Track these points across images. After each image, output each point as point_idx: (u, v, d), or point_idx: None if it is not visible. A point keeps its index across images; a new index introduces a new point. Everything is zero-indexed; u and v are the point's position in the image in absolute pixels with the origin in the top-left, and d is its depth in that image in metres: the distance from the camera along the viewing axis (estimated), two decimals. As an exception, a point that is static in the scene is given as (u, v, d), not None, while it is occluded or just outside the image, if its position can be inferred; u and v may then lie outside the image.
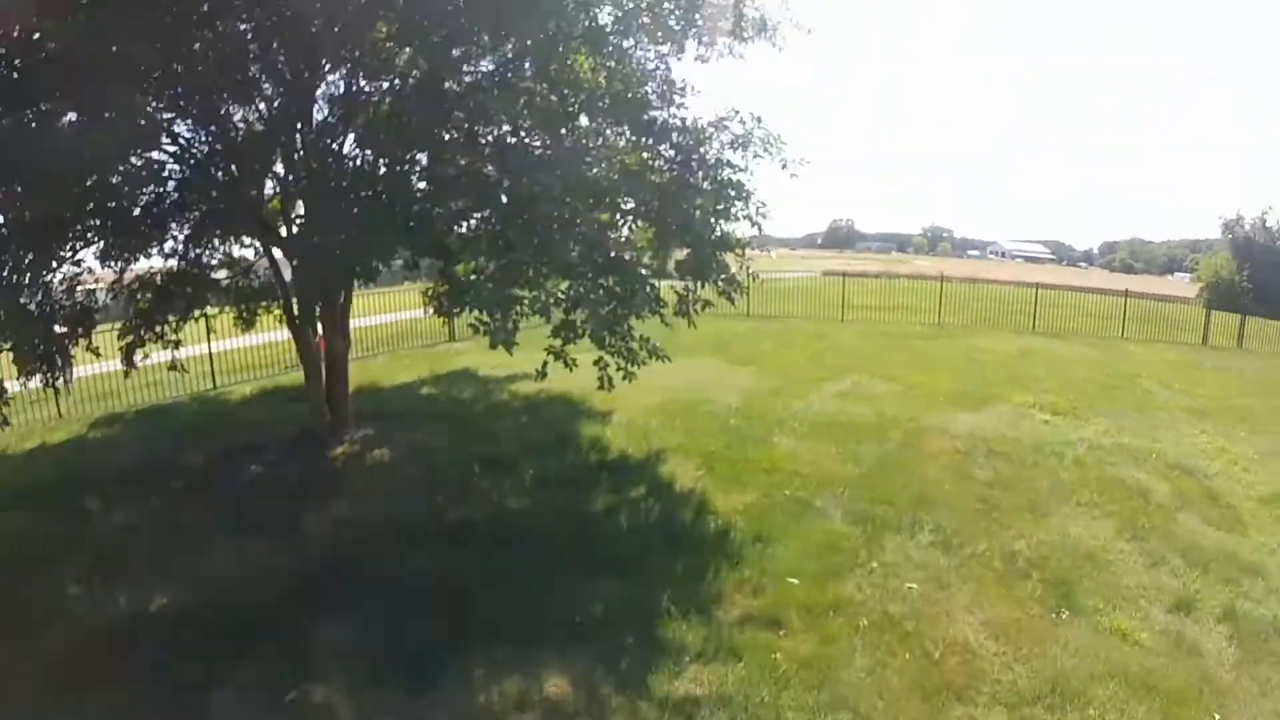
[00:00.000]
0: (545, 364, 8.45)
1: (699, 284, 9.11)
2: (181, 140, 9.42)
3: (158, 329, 11.17)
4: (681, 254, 9.11)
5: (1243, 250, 48.01)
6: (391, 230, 7.77)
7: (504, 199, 8.12)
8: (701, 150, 9.02)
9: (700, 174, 8.95)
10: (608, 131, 9.16)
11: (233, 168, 9.72)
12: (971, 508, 8.72)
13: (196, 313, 11.58)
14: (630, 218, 9.05)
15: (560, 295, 8.04)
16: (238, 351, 15.97)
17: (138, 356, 11.31)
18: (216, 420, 12.64)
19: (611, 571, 7.03)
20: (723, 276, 9.05)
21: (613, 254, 8.49)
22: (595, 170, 8.18)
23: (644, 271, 8.63)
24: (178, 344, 11.73)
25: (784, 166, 9.36)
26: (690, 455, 10.11)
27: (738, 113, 9.18)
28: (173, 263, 10.95)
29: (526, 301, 7.61)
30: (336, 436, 10.78)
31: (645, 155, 8.81)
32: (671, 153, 9.09)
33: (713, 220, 8.72)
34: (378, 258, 7.92)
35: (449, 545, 7.68)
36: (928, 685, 5.66)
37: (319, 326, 10.56)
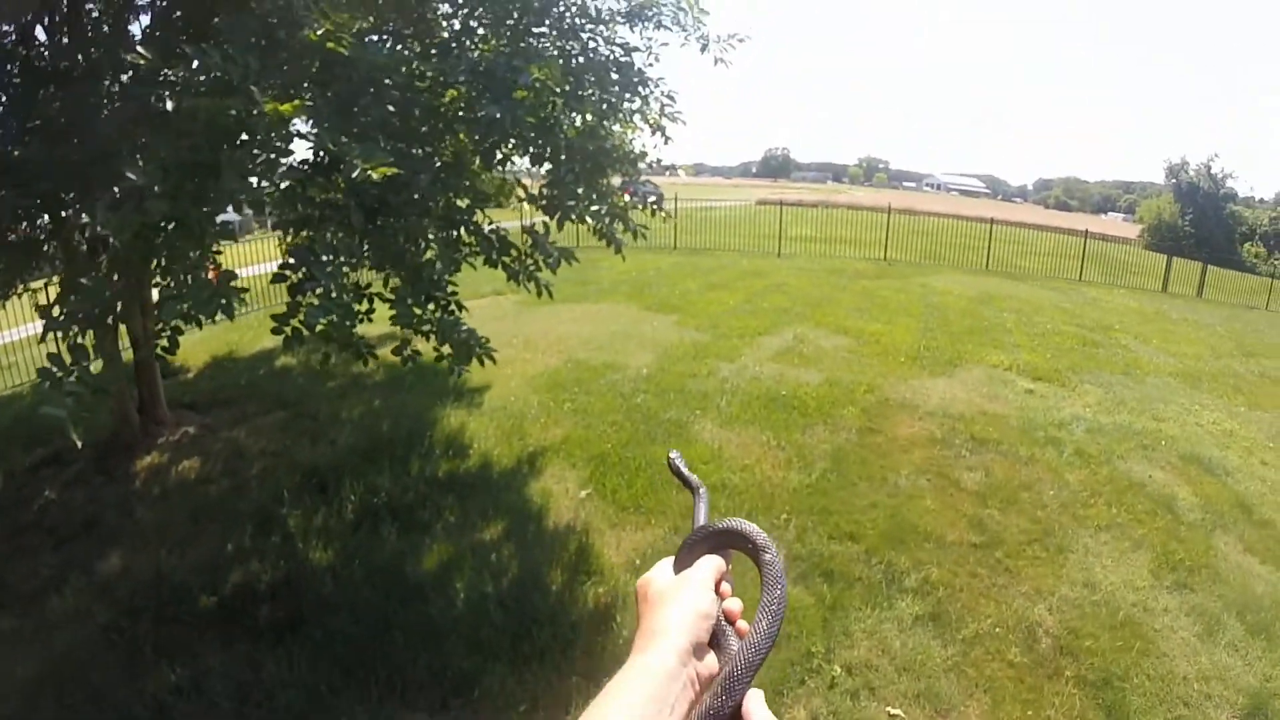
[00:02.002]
0: (408, 346, 5.50)
1: (557, 220, 5.73)
2: None
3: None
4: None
5: (1186, 195, 49.17)
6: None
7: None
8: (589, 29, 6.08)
9: (582, 58, 5.98)
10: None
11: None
12: (965, 541, 6.21)
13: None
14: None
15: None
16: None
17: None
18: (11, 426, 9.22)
19: (428, 700, 4.40)
20: (595, 209, 5.86)
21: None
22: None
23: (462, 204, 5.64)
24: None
25: (704, 49, 6.55)
26: (576, 459, 7.40)
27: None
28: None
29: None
30: (150, 439, 8.03)
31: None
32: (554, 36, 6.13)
33: (585, 118, 5.78)
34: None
35: (218, 633, 5.03)
36: None
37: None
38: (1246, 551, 6.72)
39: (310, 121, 4.19)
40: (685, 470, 1.14)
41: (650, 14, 6.25)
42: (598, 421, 8.22)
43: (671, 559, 0.93)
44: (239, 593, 5.46)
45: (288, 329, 4.37)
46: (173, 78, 4.06)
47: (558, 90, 4.84)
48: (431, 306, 5.04)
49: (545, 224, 5.73)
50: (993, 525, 6.48)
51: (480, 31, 5.58)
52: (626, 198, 6.17)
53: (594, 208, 5.53)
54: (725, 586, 0.88)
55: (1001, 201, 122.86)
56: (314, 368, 10.48)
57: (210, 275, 4.76)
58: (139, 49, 4.01)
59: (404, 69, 4.68)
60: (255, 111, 3.63)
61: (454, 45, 5.31)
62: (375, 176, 3.67)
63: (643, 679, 0.75)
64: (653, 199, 6.49)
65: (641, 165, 6.20)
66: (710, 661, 0.80)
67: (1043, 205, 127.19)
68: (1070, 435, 8.67)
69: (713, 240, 23.99)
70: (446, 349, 5.17)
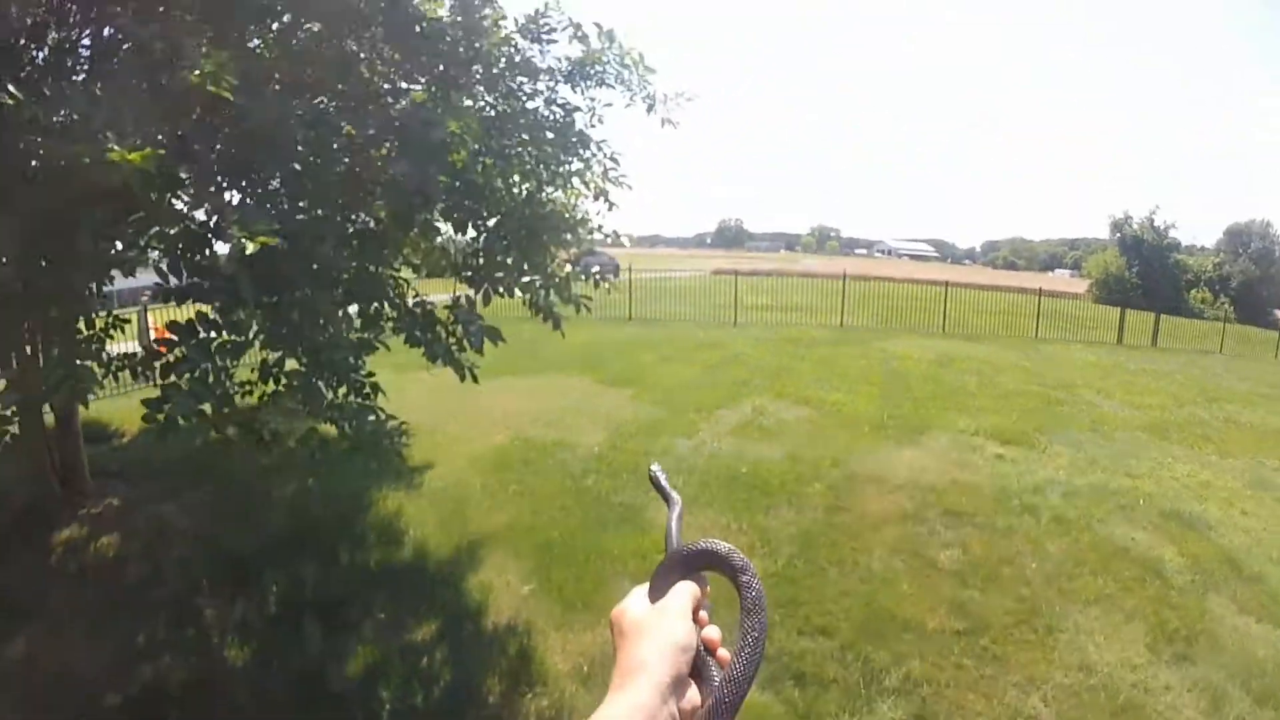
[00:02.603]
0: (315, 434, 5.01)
1: (481, 294, 5.29)
2: None
3: None
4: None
5: (1131, 248, 50.80)
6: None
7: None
8: (518, 80, 5.61)
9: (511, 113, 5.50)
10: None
11: None
12: (948, 629, 5.67)
13: None
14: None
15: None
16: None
17: None
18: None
19: None
20: (526, 280, 5.42)
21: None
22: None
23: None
24: None
25: (651, 109, 6.21)
26: (520, 548, 6.77)
27: (573, 23, 5.75)
28: None
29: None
30: (71, 509, 7.32)
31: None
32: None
33: (514, 180, 5.34)
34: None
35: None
36: None
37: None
38: (1241, 611, 6.37)
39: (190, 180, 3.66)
40: (667, 486, 1.10)
41: (593, 72, 5.87)
42: (545, 506, 7.62)
43: (646, 586, 0.88)
44: (148, 694, 4.79)
45: (160, 416, 3.78)
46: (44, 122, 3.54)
47: (478, 146, 4.35)
48: (344, 390, 4.51)
49: (469, 298, 5.23)
50: (975, 608, 5.97)
51: (403, 85, 5.10)
52: (568, 268, 5.70)
53: (525, 279, 5.05)
54: (703, 614, 0.85)
55: (951, 264, 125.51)
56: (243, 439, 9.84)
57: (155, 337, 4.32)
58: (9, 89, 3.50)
59: (312, 125, 4.16)
60: (101, 162, 3.09)
61: (373, 99, 4.84)
62: (251, 247, 3.14)
63: (623, 718, 0.70)
64: (596, 270, 6.03)
65: (584, 233, 5.71)
66: (692, 695, 0.77)
67: (991, 266, 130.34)
68: (1046, 501, 8.27)
69: (668, 311, 23.69)
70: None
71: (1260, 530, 8.05)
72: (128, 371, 5.38)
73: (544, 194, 5.56)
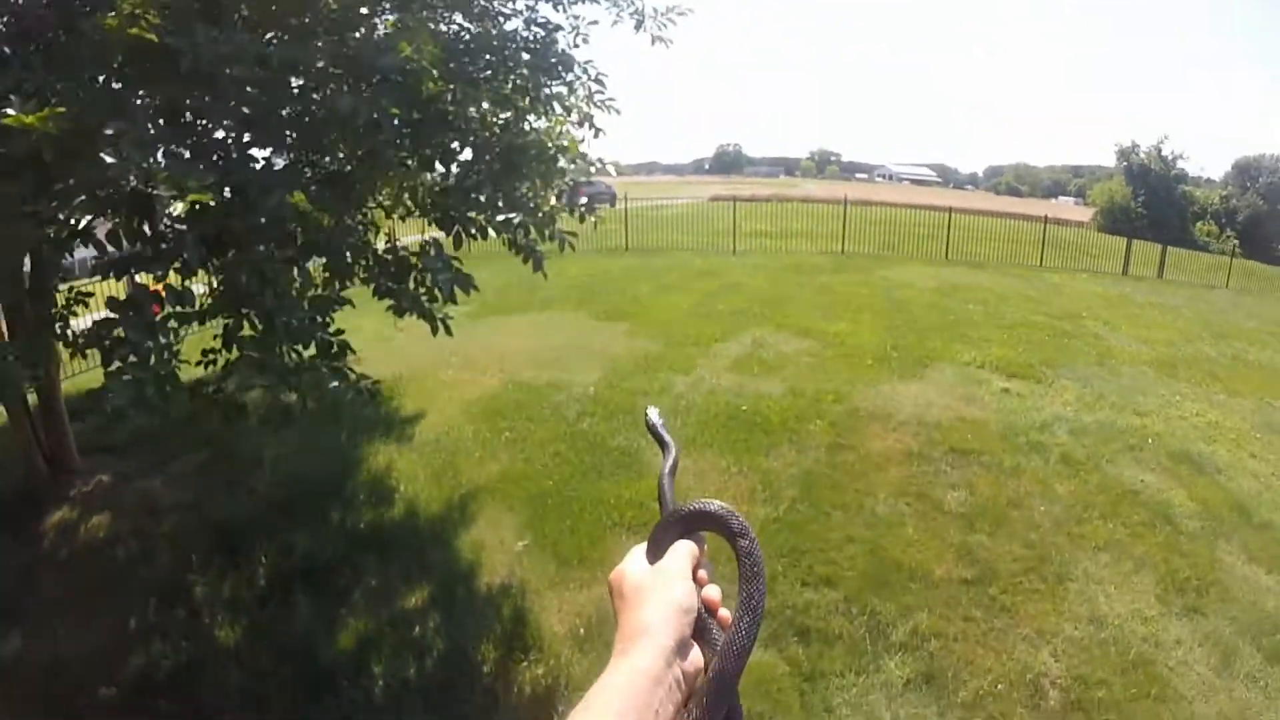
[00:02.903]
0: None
1: (451, 236, 4.79)
2: None
3: None
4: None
5: (1138, 178, 49.27)
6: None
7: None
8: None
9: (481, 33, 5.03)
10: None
11: None
12: (955, 577, 5.48)
13: None
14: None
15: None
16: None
17: None
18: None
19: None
20: (502, 218, 4.90)
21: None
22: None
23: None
24: None
25: (639, 26, 5.79)
26: (513, 500, 6.54)
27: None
28: None
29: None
30: (61, 491, 7.01)
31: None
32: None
33: (484, 107, 4.80)
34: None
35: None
36: None
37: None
38: (1251, 561, 6.19)
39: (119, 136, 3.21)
40: (664, 432, 1.04)
41: None
42: (539, 453, 7.38)
43: (644, 547, 0.84)
44: (138, 681, 4.65)
45: (109, 409, 3.41)
46: None
47: (438, 72, 3.87)
48: (310, 352, 4.16)
49: (438, 242, 4.82)
50: (983, 554, 5.77)
51: (364, 11, 4.51)
52: (552, 201, 5.29)
53: (502, 217, 4.63)
54: (702, 573, 0.82)
55: (953, 189, 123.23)
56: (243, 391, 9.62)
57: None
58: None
59: (260, 60, 3.61)
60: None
61: (326, 29, 4.30)
62: (180, 207, 2.75)
63: (627, 684, 0.67)
64: (584, 202, 5.60)
65: (567, 163, 5.22)
66: (695, 657, 0.74)
67: (993, 192, 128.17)
68: (1054, 439, 8.04)
69: (666, 240, 23.16)
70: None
71: (1269, 475, 7.85)
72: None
73: (524, 123, 5.07)
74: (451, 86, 4.11)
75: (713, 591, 0.80)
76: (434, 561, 5.73)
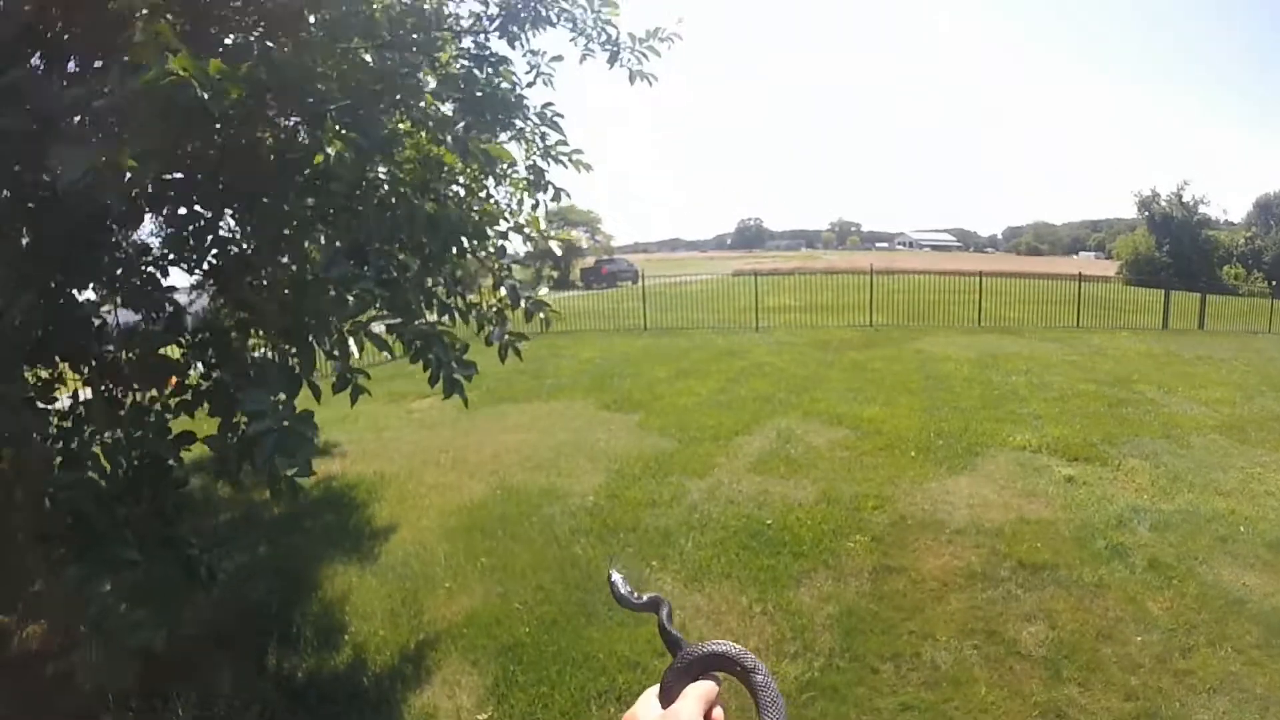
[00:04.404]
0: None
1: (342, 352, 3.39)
2: None
3: None
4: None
5: (1160, 226, 49.14)
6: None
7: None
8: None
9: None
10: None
11: None
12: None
13: None
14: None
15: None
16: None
17: None
18: None
19: None
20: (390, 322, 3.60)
21: None
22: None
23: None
24: None
25: (614, 59, 4.76)
26: (481, 653, 5.32)
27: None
28: None
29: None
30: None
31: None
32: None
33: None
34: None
35: None
36: None
37: None
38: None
39: None
40: (633, 597, 0.99)
41: (523, 11, 4.38)
42: (518, 586, 6.20)
43: (656, 689, 0.82)
44: None
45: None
46: None
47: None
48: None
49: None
50: (1077, 715, 4.54)
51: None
52: (502, 292, 4.20)
53: (384, 325, 3.47)
54: (718, 713, 0.79)
55: (974, 253, 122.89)
56: (213, 493, 8.74)
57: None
58: None
59: None
60: None
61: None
62: None
63: None
64: (528, 297, 4.45)
65: (495, 235, 4.11)
66: None
67: (1015, 252, 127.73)
68: (1135, 538, 6.80)
69: (687, 318, 22.36)
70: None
71: (1392, 563, 6.47)
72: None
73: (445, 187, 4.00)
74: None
75: None
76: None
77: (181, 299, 4.12)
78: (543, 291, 4.33)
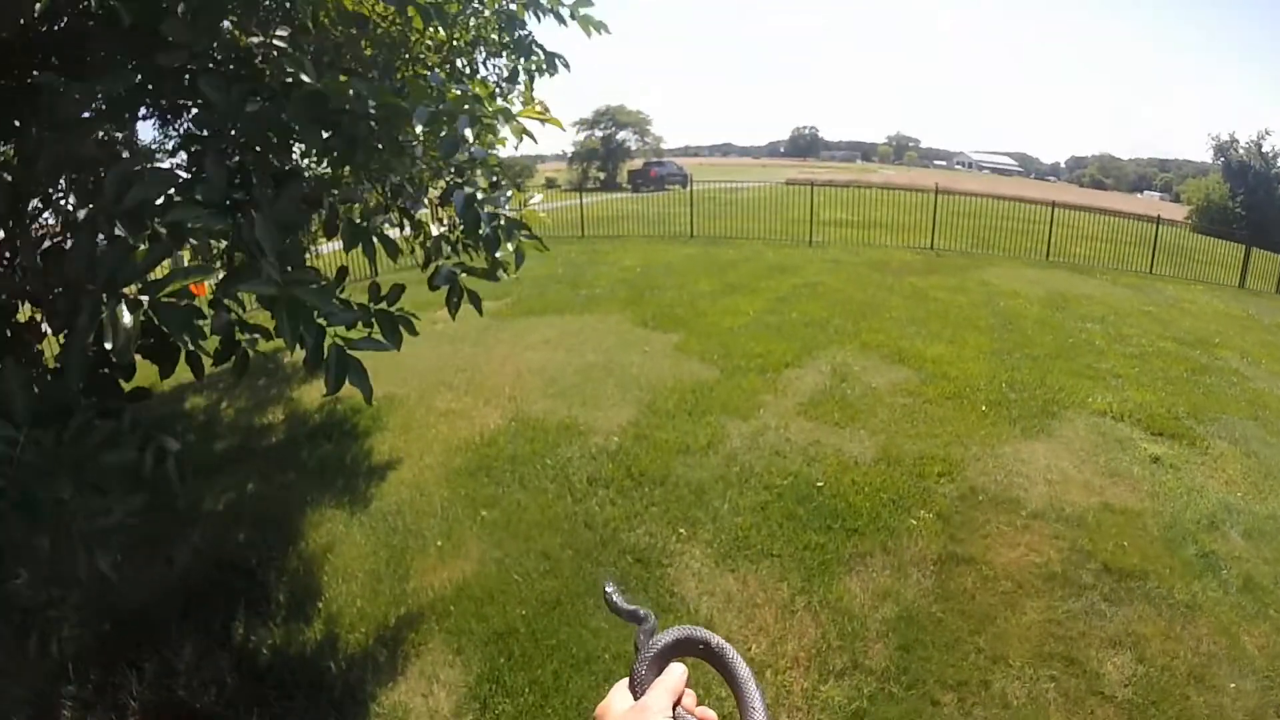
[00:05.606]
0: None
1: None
2: None
3: None
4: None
5: (1237, 175, 45.37)
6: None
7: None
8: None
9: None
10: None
11: None
12: None
13: None
14: None
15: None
16: None
17: None
18: None
19: None
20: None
21: None
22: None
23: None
24: None
25: (562, 21, 3.73)
26: (467, 638, 4.57)
27: None
28: None
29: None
30: None
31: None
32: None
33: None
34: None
35: None
36: None
37: None
38: None
39: None
40: (625, 606, 0.97)
41: None
42: (520, 550, 5.41)
43: (627, 681, 0.82)
44: None
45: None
46: None
47: None
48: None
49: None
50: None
51: None
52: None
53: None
54: (689, 699, 0.81)
55: (1035, 180, 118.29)
56: (226, 412, 8.15)
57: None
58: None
59: None
60: None
61: None
62: None
63: None
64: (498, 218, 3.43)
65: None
66: None
67: (1077, 184, 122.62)
68: (1228, 546, 5.86)
69: (735, 227, 21.15)
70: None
71: None
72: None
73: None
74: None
75: (708, 714, 0.80)
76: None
77: None
78: (534, 201, 3.39)
